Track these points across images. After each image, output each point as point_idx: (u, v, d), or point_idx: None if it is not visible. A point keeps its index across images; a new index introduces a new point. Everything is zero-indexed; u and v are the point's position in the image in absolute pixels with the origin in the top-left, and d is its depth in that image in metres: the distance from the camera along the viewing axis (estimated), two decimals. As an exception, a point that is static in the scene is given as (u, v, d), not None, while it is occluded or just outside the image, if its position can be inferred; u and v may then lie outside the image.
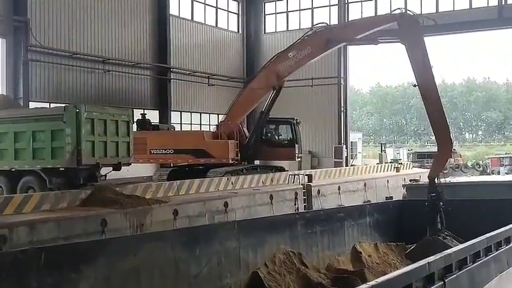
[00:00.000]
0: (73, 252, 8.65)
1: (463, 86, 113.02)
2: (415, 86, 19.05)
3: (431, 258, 6.62)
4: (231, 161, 24.91)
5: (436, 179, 16.98)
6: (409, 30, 20.41)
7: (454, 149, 58.88)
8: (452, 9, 34.59)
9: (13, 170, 18.56)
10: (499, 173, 44.06)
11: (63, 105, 20.93)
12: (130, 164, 20.22)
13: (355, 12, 37.81)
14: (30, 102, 24.90)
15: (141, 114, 28.03)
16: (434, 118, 18.24)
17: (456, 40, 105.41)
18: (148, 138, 25.73)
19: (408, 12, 21.69)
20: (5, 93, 23.67)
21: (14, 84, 25.08)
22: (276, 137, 27.09)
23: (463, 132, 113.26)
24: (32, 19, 25.62)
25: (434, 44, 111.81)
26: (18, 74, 25.24)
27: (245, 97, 26.34)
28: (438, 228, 16.35)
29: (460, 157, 53.99)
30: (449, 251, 7.15)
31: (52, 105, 24.48)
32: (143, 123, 27.07)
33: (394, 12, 22.29)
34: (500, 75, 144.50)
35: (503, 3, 32.99)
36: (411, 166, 39.19)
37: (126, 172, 20.69)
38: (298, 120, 26.82)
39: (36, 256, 8.00)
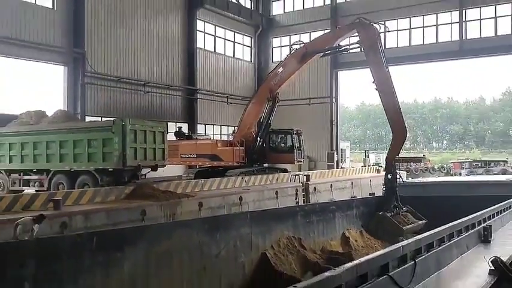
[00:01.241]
0: (119, 236, 8.71)
1: (431, 105, 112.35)
2: (373, 82, 18.78)
3: (404, 242, 6.61)
4: (236, 164, 25.06)
5: (393, 163, 16.89)
6: (366, 34, 20.25)
7: (424, 155, 59.11)
8: (422, 43, 34.48)
9: (72, 170, 18.69)
10: (460, 175, 43.83)
11: (112, 119, 21.04)
12: (165, 166, 20.33)
13: (344, 41, 37.65)
14: (86, 117, 25.06)
15: (178, 127, 28.74)
16: (389, 110, 18.13)
17: (426, 68, 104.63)
18: (180, 146, 26.43)
19: (364, 20, 21.22)
20: (66, 109, 23.82)
21: (73, 102, 25.26)
22: (279, 145, 26.92)
23: (431, 142, 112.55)
24: (88, 51, 25.83)
25: (408, 71, 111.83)
26: (77, 94, 25.44)
27: (249, 110, 26.46)
28: (394, 205, 16.34)
29: (429, 161, 53.70)
30: (419, 237, 7.12)
31: (103, 119, 24.59)
32: (179, 134, 27.79)
33: (354, 22, 21.84)
34: (461, 96, 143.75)
35: (463, 38, 32.88)
36: (389, 168, 39.02)
37: (161, 172, 20.78)
38: (299, 131, 26.68)
39: (90, 239, 8.05)
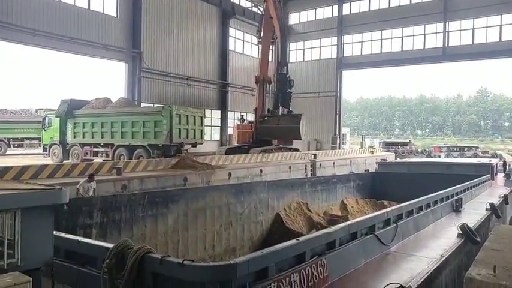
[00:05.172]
0: (165, 195, 8.83)
1: (417, 100, 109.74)
2: None
3: (388, 209, 6.55)
4: (241, 143, 25.55)
5: None
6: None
7: (409, 140, 58.08)
8: (412, 48, 33.58)
9: (130, 144, 19.02)
10: (439, 157, 42.98)
11: (162, 105, 21.26)
12: (202, 143, 20.53)
13: (348, 50, 37.11)
14: (141, 103, 25.28)
15: (241, 115, 29.39)
16: None
17: (414, 69, 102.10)
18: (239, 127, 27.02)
19: None
20: (126, 97, 24.13)
21: (132, 91, 25.50)
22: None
23: (416, 130, 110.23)
24: (144, 51, 25.95)
25: (400, 72, 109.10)
26: (134, 85, 25.66)
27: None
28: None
29: (413, 145, 52.79)
30: (401, 205, 7.05)
31: (155, 105, 24.83)
32: (242, 120, 28.08)
33: None
34: (442, 93, 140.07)
35: (446, 45, 31.93)
36: (381, 150, 38.65)
37: (199, 148, 20.99)
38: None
39: (143, 197, 8.24)
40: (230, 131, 33.48)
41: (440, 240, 6.44)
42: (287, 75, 26.54)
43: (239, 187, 10.94)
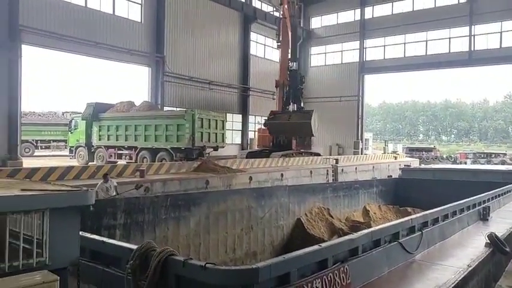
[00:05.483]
0: (187, 198, 8.89)
1: (442, 104, 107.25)
2: None
3: (413, 216, 6.40)
4: (261, 147, 25.61)
5: None
6: None
7: (434, 146, 56.76)
8: (436, 52, 32.91)
9: (154, 147, 19.31)
10: (465, 163, 41.84)
11: (184, 109, 21.50)
12: (224, 147, 20.63)
13: (370, 54, 36.70)
14: (164, 107, 25.60)
15: (264, 119, 28.50)
16: None
17: (438, 73, 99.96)
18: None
19: None
20: (149, 101, 24.51)
21: (155, 95, 25.86)
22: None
23: (441, 135, 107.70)
24: (167, 55, 26.30)
25: (424, 76, 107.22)
26: (158, 89, 26.01)
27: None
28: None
29: (438, 151, 51.56)
30: (427, 212, 6.88)
31: (177, 109, 25.11)
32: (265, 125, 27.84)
33: None
34: (467, 98, 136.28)
35: (472, 49, 31.17)
36: (404, 156, 37.94)
37: (221, 151, 21.09)
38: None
39: (165, 200, 8.32)
40: (251, 134, 33.54)
41: (467, 250, 6.25)
42: (298, 71, 26.23)
43: (260, 191, 10.91)
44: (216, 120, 19.61)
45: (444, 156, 50.83)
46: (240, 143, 32.85)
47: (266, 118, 26.57)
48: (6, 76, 18.60)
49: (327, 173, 20.98)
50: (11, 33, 18.64)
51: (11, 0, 18.64)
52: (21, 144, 20.73)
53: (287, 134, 25.60)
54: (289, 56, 26.68)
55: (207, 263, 3.14)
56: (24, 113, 26.95)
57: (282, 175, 17.96)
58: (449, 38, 32.43)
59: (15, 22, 18.77)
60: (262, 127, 27.77)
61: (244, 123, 33.14)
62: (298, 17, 39.12)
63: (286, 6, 26.29)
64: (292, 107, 25.86)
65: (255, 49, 34.71)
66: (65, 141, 26.88)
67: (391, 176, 19.69)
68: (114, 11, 23.86)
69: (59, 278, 2.86)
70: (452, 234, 7.21)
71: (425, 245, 6.04)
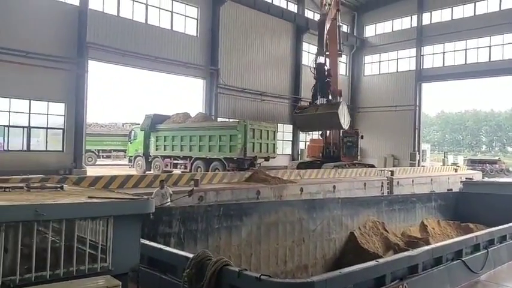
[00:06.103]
0: (239, 208, 8.98)
1: (507, 114, 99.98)
2: None
3: (478, 233, 6.00)
4: (312, 158, 25.40)
5: None
6: None
7: (498, 158, 52.88)
8: (501, 58, 30.83)
9: (207, 157, 19.72)
10: (534, 177, 38.49)
11: (237, 120, 21.82)
12: (275, 157, 20.63)
13: (428, 62, 35.21)
14: (218, 118, 26.05)
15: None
16: None
17: (502, 80, 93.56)
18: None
19: None
20: (204, 112, 25.17)
21: (209, 106, 26.46)
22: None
23: (506, 147, 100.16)
24: (221, 67, 26.93)
25: (486, 84, 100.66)
26: (212, 101, 26.61)
27: None
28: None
29: (504, 164, 47.91)
30: (493, 229, 6.40)
31: (230, 120, 25.52)
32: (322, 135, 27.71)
33: None
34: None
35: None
36: (466, 169, 35.69)
37: (272, 162, 21.10)
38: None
39: (218, 209, 8.45)
40: (302, 145, 33.26)
41: (540, 272, 5.73)
42: (324, 64, 25.43)
43: (311, 203, 10.76)
44: (268, 131, 19.69)
45: (510, 168, 47.13)
46: (290, 153, 32.71)
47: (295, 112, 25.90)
48: (74, 90, 20.04)
49: (382, 186, 20.27)
50: (79, 49, 20.12)
51: (80, 19, 20.14)
52: (85, 153, 22.05)
53: (315, 127, 24.82)
54: (317, 50, 25.67)
55: (261, 275, 3.14)
56: (88, 124, 28.75)
57: (334, 187, 17.61)
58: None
59: (83, 39, 20.22)
60: (314, 137, 27.47)
61: (295, 133, 32.95)
62: (351, 26, 38.81)
63: (334, 11, 26.04)
64: (320, 101, 24.99)
65: (307, 59, 34.55)
66: (125, 150, 28.29)
67: (451, 189, 18.62)
68: (172, 26, 24.96)
69: (120, 283, 3.00)
70: (523, 254, 6.63)
71: (492, 265, 5.63)
